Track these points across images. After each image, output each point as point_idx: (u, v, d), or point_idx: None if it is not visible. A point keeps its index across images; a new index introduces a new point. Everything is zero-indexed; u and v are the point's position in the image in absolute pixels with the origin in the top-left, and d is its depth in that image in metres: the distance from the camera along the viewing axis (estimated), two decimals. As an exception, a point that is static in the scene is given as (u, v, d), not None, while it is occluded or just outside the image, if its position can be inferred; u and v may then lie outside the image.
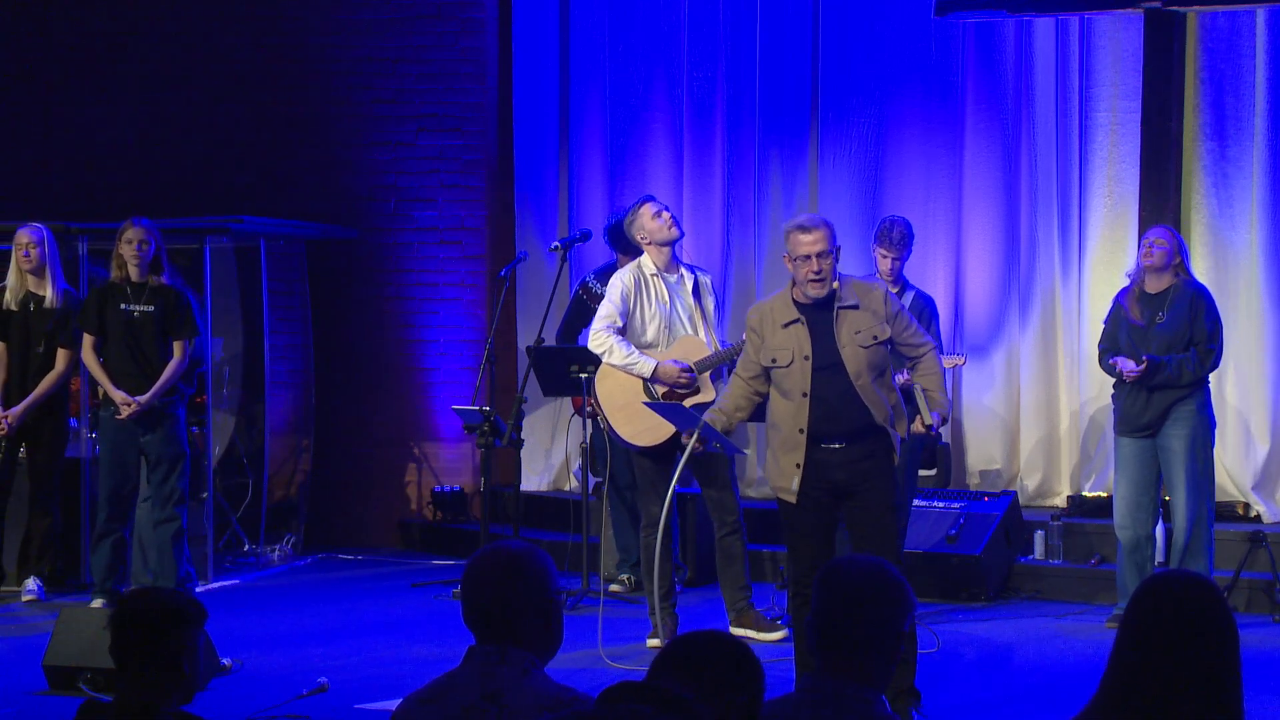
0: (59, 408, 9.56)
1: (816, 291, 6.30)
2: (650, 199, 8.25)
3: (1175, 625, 3.06)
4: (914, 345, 6.49)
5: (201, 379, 9.93)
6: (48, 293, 9.42)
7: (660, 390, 7.99)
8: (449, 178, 11.57)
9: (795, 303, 6.38)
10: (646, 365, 7.95)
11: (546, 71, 11.43)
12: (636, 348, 8.02)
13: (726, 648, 3.13)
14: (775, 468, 6.42)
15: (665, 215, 8.10)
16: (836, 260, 6.36)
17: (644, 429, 7.86)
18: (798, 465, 6.30)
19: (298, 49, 11.68)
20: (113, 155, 11.79)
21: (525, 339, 10.67)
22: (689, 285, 8.09)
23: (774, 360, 6.36)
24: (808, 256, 6.28)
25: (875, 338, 6.31)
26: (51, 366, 9.42)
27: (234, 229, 10.40)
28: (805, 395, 6.28)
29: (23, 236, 9.39)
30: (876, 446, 6.32)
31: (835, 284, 6.35)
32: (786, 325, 6.35)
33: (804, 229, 6.33)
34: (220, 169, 11.65)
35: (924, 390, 6.45)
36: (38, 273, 9.41)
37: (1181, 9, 9.59)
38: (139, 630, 3.74)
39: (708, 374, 7.99)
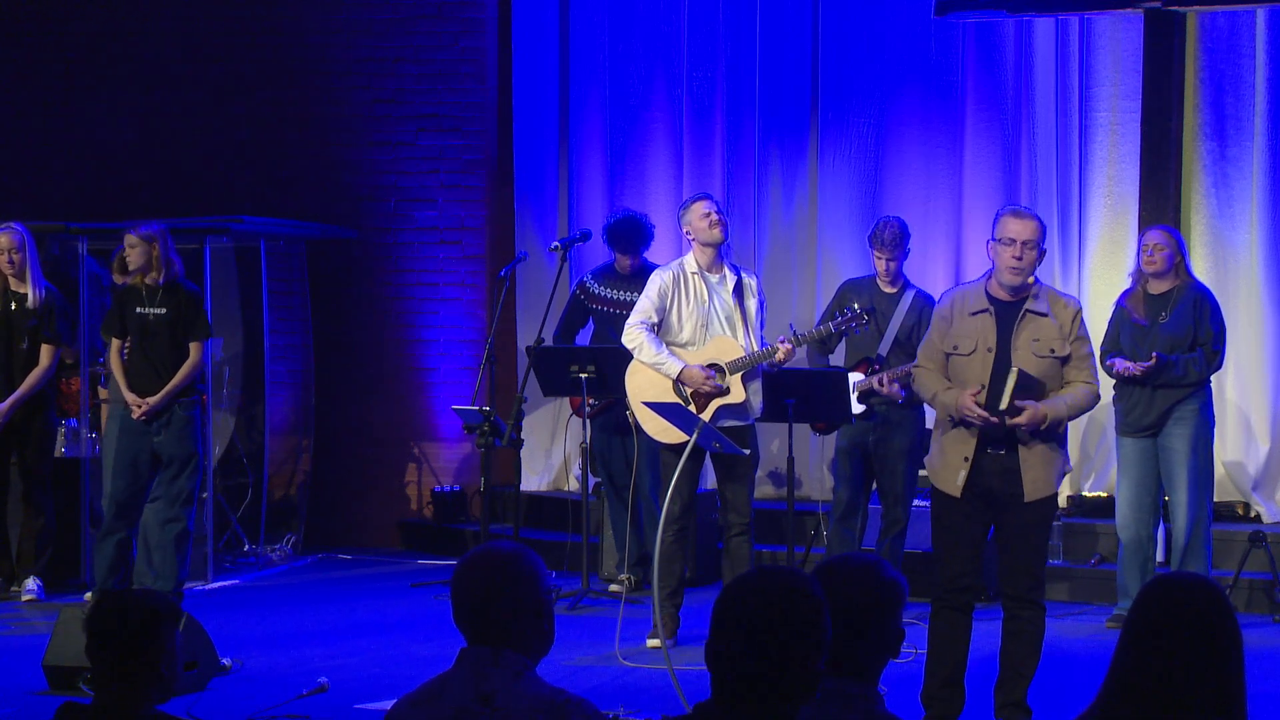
0: (46, 405, 9.57)
1: (1011, 279, 6.18)
2: (704, 197, 8.19)
3: (1179, 627, 3.06)
4: (1077, 370, 6.24)
5: (202, 378, 9.95)
6: (29, 291, 9.44)
7: (688, 390, 7.98)
8: (449, 178, 11.57)
9: (988, 294, 6.28)
10: (674, 366, 7.92)
11: (546, 71, 11.42)
12: (672, 345, 8.00)
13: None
14: (941, 461, 6.30)
15: (713, 217, 8.02)
16: (1039, 262, 6.25)
17: (669, 425, 7.85)
18: (966, 459, 6.19)
19: (298, 49, 11.68)
20: (113, 155, 11.79)
21: (525, 339, 10.67)
22: (730, 285, 8.05)
23: (955, 348, 6.25)
24: (1013, 240, 6.16)
25: (1053, 350, 6.18)
26: (35, 363, 9.43)
27: (234, 229, 10.40)
28: (983, 388, 6.15)
29: (3, 240, 9.41)
30: (1035, 463, 6.18)
31: (1032, 283, 6.24)
32: (974, 314, 6.25)
33: (1017, 215, 6.26)
34: (220, 169, 11.65)
35: (1050, 396, 6.18)
36: (19, 275, 9.44)
37: (1181, 9, 9.60)
38: (114, 631, 3.76)
39: (739, 375, 7.97)
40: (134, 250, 8.95)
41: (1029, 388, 6.18)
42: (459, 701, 3.38)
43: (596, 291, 9.50)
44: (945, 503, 6.32)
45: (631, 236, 9.32)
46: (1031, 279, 6.26)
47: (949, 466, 6.27)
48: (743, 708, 3.03)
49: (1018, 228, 6.19)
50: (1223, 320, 8.47)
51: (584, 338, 9.74)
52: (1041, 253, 6.27)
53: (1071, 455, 10.24)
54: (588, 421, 9.41)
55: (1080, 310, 6.33)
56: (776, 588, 3.06)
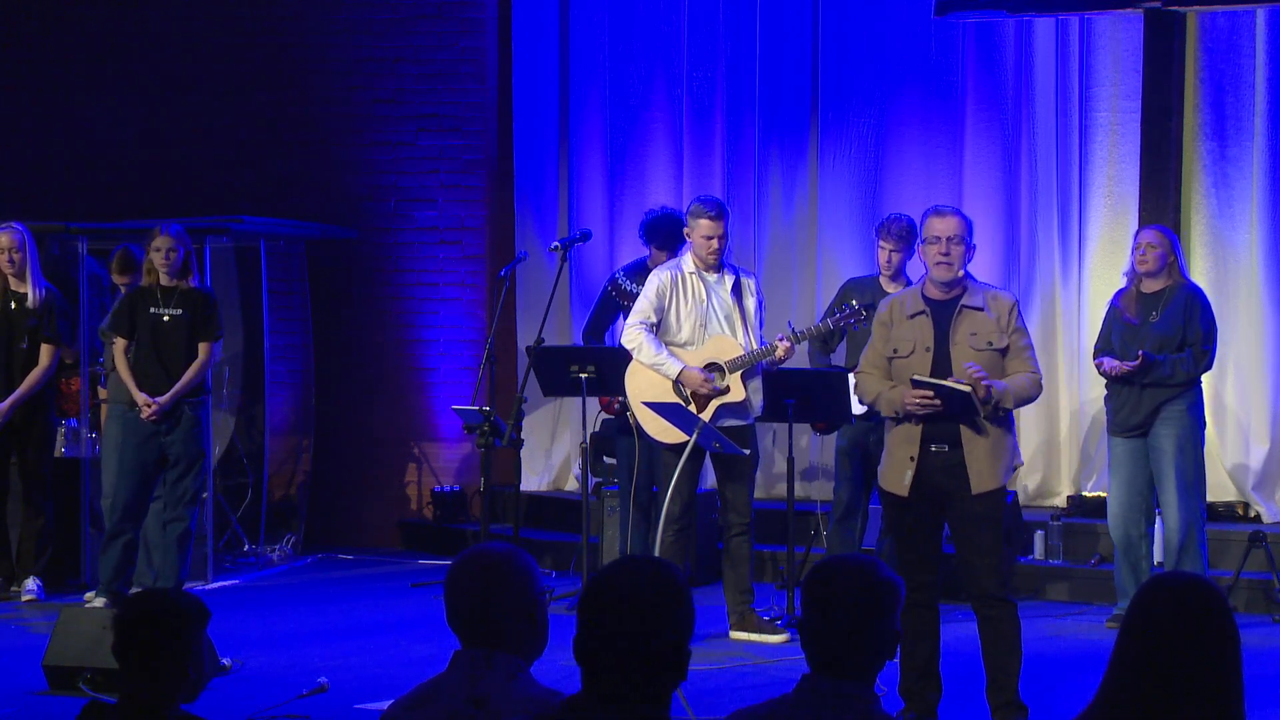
0: (46, 405, 9.57)
1: (942, 275, 6.32)
2: (716, 216, 8.13)
3: (1176, 627, 3.06)
4: (1019, 362, 6.32)
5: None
6: (29, 291, 9.44)
7: (688, 390, 7.98)
8: (449, 178, 11.57)
9: (924, 297, 6.41)
10: (673, 367, 7.94)
11: (546, 71, 11.43)
12: (671, 345, 8.00)
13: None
14: (888, 463, 6.38)
15: (714, 245, 8.04)
16: (969, 257, 6.39)
17: (670, 425, 7.85)
18: (911, 459, 6.27)
19: (298, 49, 11.68)
20: (113, 155, 11.79)
21: (525, 339, 10.67)
22: (728, 284, 8.06)
23: (895, 350, 6.37)
24: (938, 238, 6.32)
25: (991, 344, 6.28)
26: (35, 363, 9.43)
27: (234, 229, 10.40)
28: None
29: (3, 239, 9.40)
30: (980, 456, 6.23)
31: (963, 276, 6.35)
32: (912, 316, 6.37)
33: (939, 213, 6.42)
34: (220, 169, 11.65)
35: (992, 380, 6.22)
36: (19, 275, 9.43)
37: (1181, 9, 9.60)
38: (143, 631, 3.74)
39: (739, 374, 7.97)
40: (174, 251, 8.88)
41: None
42: (452, 704, 3.37)
43: (629, 289, 9.48)
44: (895, 504, 6.38)
45: (674, 232, 9.31)
46: (961, 273, 6.37)
47: (895, 467, 6.34)
48: (612, 694, 3.07)
49: (941, 225, 6.35)
50: (1213, 320, 8.45)
51: (611, 337, 9.73)
52: (970, 248, 6.40)
53: (1071, 455, 10.30)
54: (587, 420, 9.39)
55: (1016, 303, 6.44)
56: (634, 574, 3.12)
